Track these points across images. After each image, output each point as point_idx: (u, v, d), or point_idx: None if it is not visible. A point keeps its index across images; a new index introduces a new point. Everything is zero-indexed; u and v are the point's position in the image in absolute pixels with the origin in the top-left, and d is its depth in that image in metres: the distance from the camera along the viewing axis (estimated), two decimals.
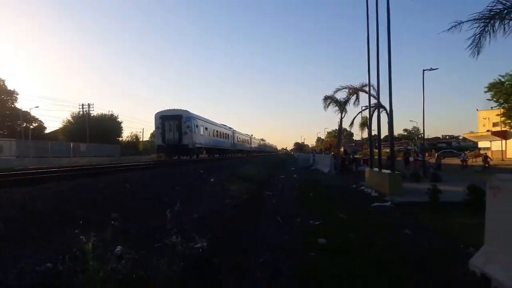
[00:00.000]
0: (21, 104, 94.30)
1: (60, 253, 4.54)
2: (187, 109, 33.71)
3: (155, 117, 33.19)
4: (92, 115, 68.31)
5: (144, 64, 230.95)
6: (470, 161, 45.26)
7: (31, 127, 65.18)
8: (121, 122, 74.02)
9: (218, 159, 37.36)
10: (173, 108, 33.99)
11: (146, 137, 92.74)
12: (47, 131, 71.47)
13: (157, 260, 4.70)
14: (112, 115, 72.52)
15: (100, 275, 3.93)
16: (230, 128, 54.62)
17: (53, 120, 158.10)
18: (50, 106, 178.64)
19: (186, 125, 32.10)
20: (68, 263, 4.16)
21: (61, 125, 69.27)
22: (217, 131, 44.54)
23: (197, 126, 34.74)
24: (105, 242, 5.11)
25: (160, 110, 33.46)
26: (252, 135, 76.25)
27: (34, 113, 65.89)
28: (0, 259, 4.30)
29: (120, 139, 75.99)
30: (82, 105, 67.73)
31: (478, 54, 9.63)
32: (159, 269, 4.47)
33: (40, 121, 70.29)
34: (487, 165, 31.43)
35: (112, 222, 6.50)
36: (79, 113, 68.07)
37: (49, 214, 6.47)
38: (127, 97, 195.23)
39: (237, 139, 58.13)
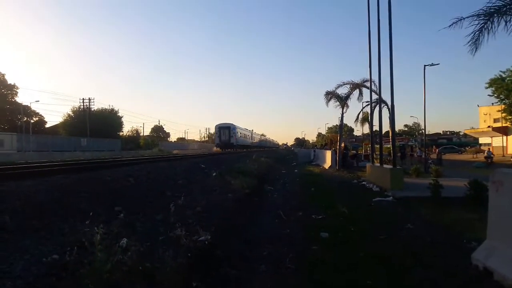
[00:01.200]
0: (22, 98, 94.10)
1: (66, 245, 4.58)
2: (232, 122, 56.08)
3: (215, 127, 56.58)
4: (92, 109, 68.20)
5: (144, 58, 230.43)
6: (472, 157, 45.38)
7: (32, 121, 65.10)
8: (122, 117, 73.92)
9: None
10: (225, 122, 56.54)
11: (146, 131, 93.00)
12: (47, 125, 71.48)
13: (163, 252, 4.75)
14: (112, 109, 72.39)
15: (107, 267, 3.97)
16: (250, 130, 75.54)
17: (53, 114, 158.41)
18: (51, 101, 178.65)
19: (232, 132, 54.02)
20: (75, 254, 4.19)
21: (62, 120, 69.20)
22: (245, 134, 65.64)
23: (236, 132, 55.26)
24: (111, 234, 5.15)
25: (218, 123, 55.67)
26: (252, 130, 78.99)
27: (34, 107, 65.87)
28: (6, 251, 4.32)
29: (121, 133, 75.96)
30: (83, 99, 67.60)
31: (476, 51, 9.68)
32: (164, 261, 4.52)
33: (40, 115, 70.23)
34: (489, 161, 31.45)
35: (118, 215, 6.54)
36: (79, 108, 67.92)
37: (54, 206, 6.51)
38: (127, 91, 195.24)
39: (253, 138, 77.70)
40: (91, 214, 6.00)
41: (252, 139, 74.17)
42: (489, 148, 40.00)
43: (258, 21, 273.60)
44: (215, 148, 57.17)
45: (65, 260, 4.21)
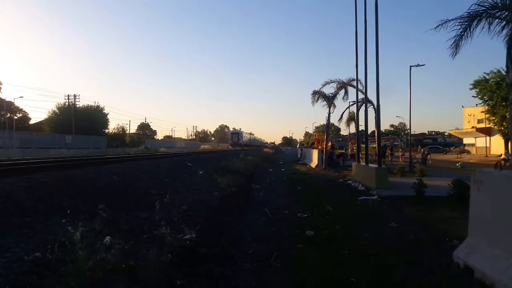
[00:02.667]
0: (5, 94, 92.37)
1: (48, 243, 4.52)
2: (241, 129, 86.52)
3: (229, 133, 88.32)
4: (78, 106, 67.22)
5: (131, 55, 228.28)
6: (456, 157, 46.04)
7: (15, 117, 63.88)
8: (108, 114, 72.96)
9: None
10: (236, 128, 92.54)
11: (133, 129, 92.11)
12: (31, 122, 70.26)
13: (147, 251, 4.72)
14: (98, 106, 71.31)
15: (88, 265, 3.93)
16: (249, 133, 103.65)
17: (38, 111, 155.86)
18: (35, 97, 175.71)
19: (240, 136, 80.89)
20: (57, 252, 4.14)
21: (46, 116, 68.01)
22: (248, 137, 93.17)
23: (242, 136, 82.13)
24: (94, 232, 5.10)
25: (231, 130, 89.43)
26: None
27: (18, 103, 64.72)
28: None
29: (107, 131, 74.99)
30: (68, 96, 66.60)
31: (455, 54, 9.97)
32: (148, 259, 4.49)
33: (24, 111, 68.95)
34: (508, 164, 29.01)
35: (101, 212, 6.48)
36: (64, 104, 66.86)
37: (36, 204, 6.41)
38: (114, 88, 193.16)
39: (252, 139, 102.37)
40: (74, 212, 5.94)
41: (250, 140, 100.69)
42: (507, 150, 34.93)
43: (246, 19, 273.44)
44: (229, 146, 77.83)
45: (47, 258, 4.16)
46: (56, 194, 7.27)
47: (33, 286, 3.62)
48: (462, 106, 70.68)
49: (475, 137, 61.45)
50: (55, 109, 66.75)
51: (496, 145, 50.54)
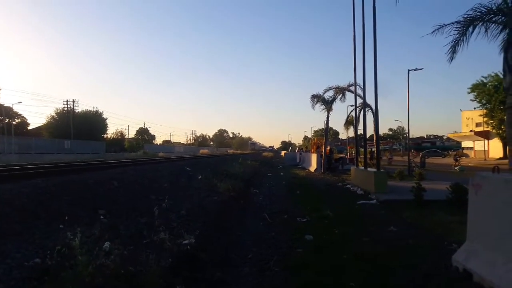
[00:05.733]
0: (3, 99, 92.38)
1: (48, 249, 4.53)
2: (240, 132, 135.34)
3: (249, 142, 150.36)
4: (76, 111, 67.23)
5: (129, 61, 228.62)
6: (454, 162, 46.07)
7: (14, 123, 63.87)
8: (106, 119, 72.99)
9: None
10: (253, 140, 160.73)
11: (131, 134, 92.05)
12: (30, 127, 70.28)
13: (146, 256, 4.72)
14: (97, 111, 71.36)
15: (89, 270, 3.93)
16: (259, 142, 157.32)
17: (36, 116, 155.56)
18: (34, 102, 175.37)
19: (256, 144, 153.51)
20: (57, 258, 4.15)
21: (45, 122, 68.03)
22: (259, 145, 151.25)
23: (256, 144, 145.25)
24: (94, 238, 5.10)
25: (250, 141, 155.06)
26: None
27: (17, 108, 64.77)
28: None
29: (105, 136, 74.99)
30: (67, 101, 66.66)
31: (452, 59, 10.06)
32: (148, 264, 4.49)
33: (23, 117, 69.05)
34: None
35: (101, 218, 6.49)
36: (63, 109, 66.88)
37: (36, 210, 6.42)
38: (112, 93, 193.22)
39: (260, 145, 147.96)
40: (73, 217, 5.94)
41: (260, 146, 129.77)
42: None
43: (244, 24, 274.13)
44: (250, 150, 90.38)
45: (47, 264, 4.17)
46: (55, 200, 7.28)
47: None
48: (460, 110, 70.77)
49: (474, 141, 61.50)
50: (54, 115, 66.79)
51: (495, 149, 50.63)
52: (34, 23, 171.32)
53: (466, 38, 9.41)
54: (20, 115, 68.06)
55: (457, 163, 30.84)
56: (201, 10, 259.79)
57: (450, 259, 5.14)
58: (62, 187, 8.52)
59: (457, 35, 9.51)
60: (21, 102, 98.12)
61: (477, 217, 4.90)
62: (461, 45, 9.56)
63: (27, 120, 70.12)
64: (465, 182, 9.40)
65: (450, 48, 9.76)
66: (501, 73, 8.31)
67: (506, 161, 7.35)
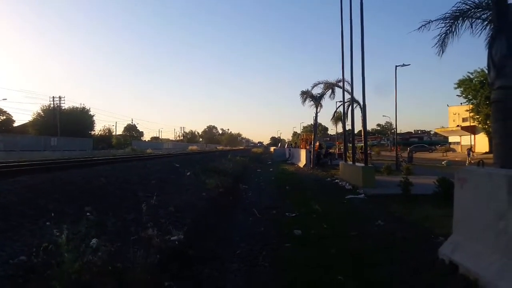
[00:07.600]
0: None
1: (34, 246, 4.46)
2: (229, 129, 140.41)
3: (243, 140, 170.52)
4: (63, 108, 66.23)
5: (117, 56, 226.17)
6: (442, 155, 46.63)
7: None
8: (93, 116, 72.07)
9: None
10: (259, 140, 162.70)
11: (119, 130, 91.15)
12: (16, 124, 69.09)
13: (134, 253, 4.68)
14: (84, 108, 70.36)
15: (75, 267, 3.89)
16: (250, 139, 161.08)
17: (22, 113, 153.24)
18: (20, 99, 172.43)
19: (249, 142, 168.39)
20: (43, 255, 4.09)
21: (31, 118, 66.91)
22: (251, 142, 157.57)
23: (249, 141, 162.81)
24: (80, 235, 5.04)
25: (244, 139, 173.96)
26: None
27: (2, 105, 63.69)
28: None
29: (93, 132, 74.09)
30: (53, 97, 65.56)
31: (442, 53, 10.00)
32: (135, 261, 4.46)
33: (8, 114, 67.83)
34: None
35: (88, 214, 6.42)
36: (49, 106, 65.84)
37: (22, 207, 6.32)
38: (99, 89, 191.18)
39: (252, 142, 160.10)
40: (60, 214, 5.87)
41: (252, 143, 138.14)
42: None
43: (233, 19, 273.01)
44: (244, 147, 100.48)
45: (32, 262, 4.11)
46: (41, 197, 7.18)
47: None
48: (447, 105, 71.74)
49: (460, 136, 62.38)
50: (40, 111, 65.75)
51: (481, 143, 51.36)
52: (18, 19, 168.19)
53: (457, 32, 9.41)
54: (5, 112, 66.93)
55: (469, 159, 30.15)
56: (190, 4, 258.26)
57: (436, 251, 5.20)
58: (48, 184, 8.41)
59: (446, 28, 9.51)
60: (6, 99, 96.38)
61: (462, 210, 4.96)
62: (451, 37, 9.56)
63: (12, 117, 68.95)
64: (451, 176, 9.55)
65: (438, 41, 9.77)
66: (486, 69, 8.35)
67: (491, 155, 7.37)
